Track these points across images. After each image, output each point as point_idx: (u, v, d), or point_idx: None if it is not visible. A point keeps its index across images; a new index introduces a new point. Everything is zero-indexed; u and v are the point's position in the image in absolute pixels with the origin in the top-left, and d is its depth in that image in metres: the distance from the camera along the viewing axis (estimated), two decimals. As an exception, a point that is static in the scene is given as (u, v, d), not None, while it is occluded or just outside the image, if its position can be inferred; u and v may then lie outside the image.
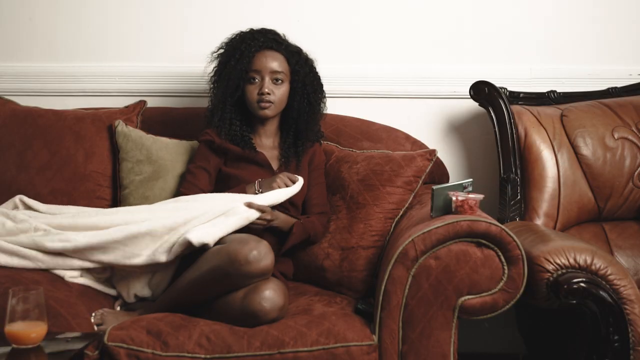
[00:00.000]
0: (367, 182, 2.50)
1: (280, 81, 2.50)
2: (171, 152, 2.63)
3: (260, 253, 2.11)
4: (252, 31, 2.55)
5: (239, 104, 2.54)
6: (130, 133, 2.66)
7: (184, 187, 2.49)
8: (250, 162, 2.51)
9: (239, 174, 2.48)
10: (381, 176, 2.49)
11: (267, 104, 2.47)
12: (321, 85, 2.59)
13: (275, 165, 2.55)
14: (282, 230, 2.44)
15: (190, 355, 2.04)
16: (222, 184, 2.50)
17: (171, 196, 2.56)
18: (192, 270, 2.20)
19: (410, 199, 2.48)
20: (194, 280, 2.18)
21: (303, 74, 2.53)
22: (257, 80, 2.49)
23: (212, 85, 2.57)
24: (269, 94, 2.46)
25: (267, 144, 2.57)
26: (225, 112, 2.51)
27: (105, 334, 2.07)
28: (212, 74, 2.57)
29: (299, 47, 2.57)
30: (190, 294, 2.21)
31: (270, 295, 2.09)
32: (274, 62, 2.49)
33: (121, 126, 2.67)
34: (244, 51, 2.49)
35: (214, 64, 2.57)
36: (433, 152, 2.54)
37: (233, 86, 2.49)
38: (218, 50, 2.57)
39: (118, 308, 2.31)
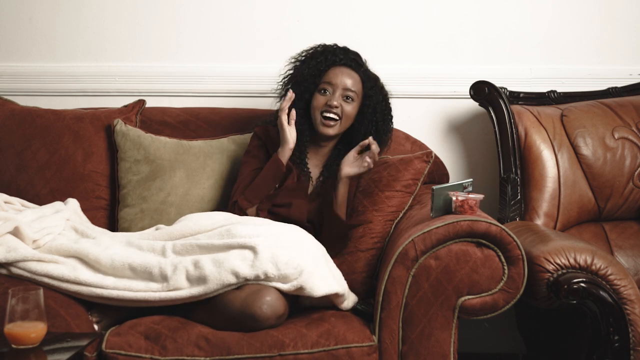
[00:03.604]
0: (366, 190, 2.49)
1: (350, 99, 2.48)
2: (169, 152, 2.62)
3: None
4: (335, 46, 2.56)
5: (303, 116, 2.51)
6: (128, 132, 2.65)
7: (242, 175, 2.47)
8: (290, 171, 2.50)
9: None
10: (380, 182, 2.47)
11: (332, 121, 2.46)
12: (391, 117, 2.57)
13: (314, 178, 2.53)
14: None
15: (189, 358, 2.02)
16: None
17: (168, 196, 2.56)
18: None
19: (410, 201, 2.47)
20: None
21: (375, 100, 2.52)
22: (328, 92, 2.48)
23: (280, 88, 2.57)
24: (337, 107, 2.45)
25: (314, 160, 2.55)
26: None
27: (103, 341, 2.05)
28: (284, 76, 2.56)
29: (377, 75, 2.57)
30: None
31: (272, 301, 2.06)
32: (349, 80, 2.48)
33: (120, 125, 2.66)
34: (322, 62, 2.50)
35: (289, 67, 2.56)
36: (429, 153, 2.50)
37: (302, 90, 2.49)
38: (298, 56, 2.56)
39: None
